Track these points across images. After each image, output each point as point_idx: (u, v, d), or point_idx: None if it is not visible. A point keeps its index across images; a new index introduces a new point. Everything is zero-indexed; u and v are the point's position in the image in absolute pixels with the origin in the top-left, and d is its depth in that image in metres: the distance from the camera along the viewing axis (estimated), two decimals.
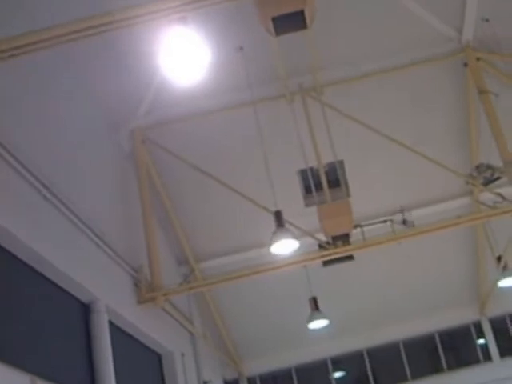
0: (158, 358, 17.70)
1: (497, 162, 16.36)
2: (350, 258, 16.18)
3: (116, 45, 12.71)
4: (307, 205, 16.36)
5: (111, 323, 13.91)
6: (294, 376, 24.69)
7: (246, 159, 17.59)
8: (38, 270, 11.24)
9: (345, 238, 15.43)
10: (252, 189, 16.42)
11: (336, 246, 15.68)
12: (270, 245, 14.29)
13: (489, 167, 16.43)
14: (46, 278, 11.60)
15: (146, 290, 15.67)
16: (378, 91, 17.21)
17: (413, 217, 16.76)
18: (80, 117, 13.39)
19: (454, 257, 22.50)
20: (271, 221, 14.35)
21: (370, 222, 16.24)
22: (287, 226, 14.37)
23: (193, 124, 16.56)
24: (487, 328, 24.53)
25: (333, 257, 15.89)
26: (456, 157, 18.62)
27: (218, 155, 17.41)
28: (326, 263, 16.29)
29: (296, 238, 14.36)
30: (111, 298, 14.01)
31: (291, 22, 8.98)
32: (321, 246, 15.86)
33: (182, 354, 18.49)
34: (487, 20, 15.86)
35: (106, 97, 14.15)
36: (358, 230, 15.85)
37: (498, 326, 24.48)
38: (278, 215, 14.24)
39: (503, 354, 24.18)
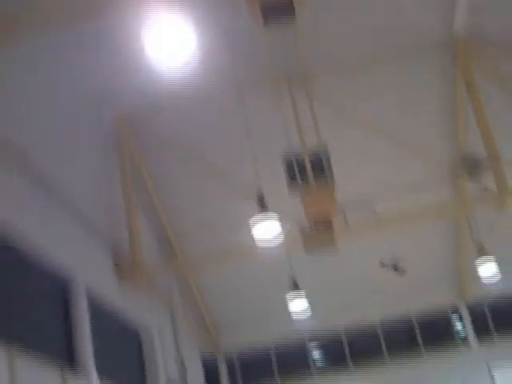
0: (137, 333, 17.74)
1: (482, 154, 16.38)
2: (333, 246, 16.07)
3: (103, 30, 12.52)
4: (291, 191, 16.21)
5: (90, 299, 13.90)
6: (273, 354, 24.83)
7: (231, 144, 17.47)
8: (16, 245, 11.19)
9: (328, 225, 15.40)
10: (236, 173, 16.36)
11: (319, 233, 15.63)
12: (252, 228, 14.28)
13: (473, 158, 16.44)
14: (25, 254, 11.55)
15: (126, 267, 15.66)
16: (365, 80, 17.07)
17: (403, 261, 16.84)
18: (64, 98, 13.21)
19: (435, 243, 22.58)
20: (255, 204, 14.31)
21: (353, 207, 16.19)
22: (270, 211, 14.33)
23: (177, 107, 16.39)
24: (465, 313, 24.72)
25: (315, 243, 15.83)
26: (442, 147, 18.62)
27: (203, 139, 17.27)
28: (308, 250, 16.22)
29: (279, 223, 14.34)
30: (91, 275, 14.03)
31: (280, 10, 8.88)
32: (304, 232, 15.79)
33: (160, 330, 18.53)
34: (477, 12, 15.76)
35: (91, 80, 13.95)
36: (341, 215, 15.82)
37: (476, 311, 24.68)
38: (260, 199, 14.20)
39: (480, 338, 24.40)
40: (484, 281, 21.84)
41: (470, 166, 16.22)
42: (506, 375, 23.05)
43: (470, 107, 16.74)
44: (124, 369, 16.31)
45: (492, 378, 23.20)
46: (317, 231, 15.50)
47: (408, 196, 18.28)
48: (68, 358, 12.80)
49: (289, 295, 20.07)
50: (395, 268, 19.63)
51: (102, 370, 13.58)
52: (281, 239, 14.80)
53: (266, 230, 14.42)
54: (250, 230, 14.38)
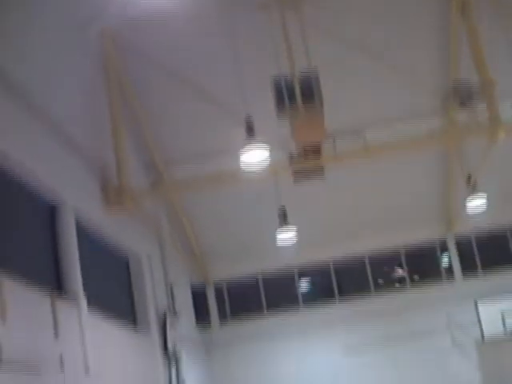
0: (125, 259, 17.79)
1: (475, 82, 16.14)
2: (321, 174, 15.94)
3: None
4: (279, 117, 15.95)
5: (78, 225, 13.86)
6: (261, 283, 25.07)
7: (220, 67, 17.13)
8: (2, 169, 11.05)
9: (316, 152, 15.25)
10: (224, 97, 16.09)
11: (307, 160, 15.49)
12: (240, 153, 14.14)
13: (466, 86, 16.21)
14: (12, 178, 11.43)
15: (113, 193, 15.54)
16: (357, 5, 16.72)
17: None
18: (48, 16, 12.88)
19: (425, 175, 22.60)
20: (243, 129, 14.12)
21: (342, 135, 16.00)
22: (258, 135, 14.15)
23: (165, 24, 15.98)
24: (452, 247, 24.93)
25: (304, 168, 15.68)
26: (435, 75, 18.38)
27: (192, 61, 16.91)
28: (296, 178, 16.08)
29: (267, 148, 14.19)
30: (78, 200, 13.94)
31: None
32: (292, 158, 15.65)
33: (149, 257, 18.59)
34: None
35: None
36: (330, 145, 15.65)
37: (463, 245, 24.86)
38: (248, 123, 13.98)
39: (466, 273, 24.66)
40: (472, 215, 21.94)
41: (463, 94, 16.01)
42: (490, 309, 23.36)
43: (465, 32, 16.41)
44: (113, 295, 16.41)
45: (477, 311, 23.51)
46: (305, 158, 15.36)
47: (398, 125, 18.17)
48: (57, 284, 12.80)
49: (277, 226, 20.11)
50: (400, 282, 20.67)
51: (90, 296, 13.63)
52: (268, 165, 14.65)
53: (254, 156, 14.29)
54: (237, 156, 14.23)
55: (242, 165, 14.53)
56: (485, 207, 20.75)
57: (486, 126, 15.82)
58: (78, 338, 12.61)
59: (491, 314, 23.29)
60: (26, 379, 9.96)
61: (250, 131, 13.94)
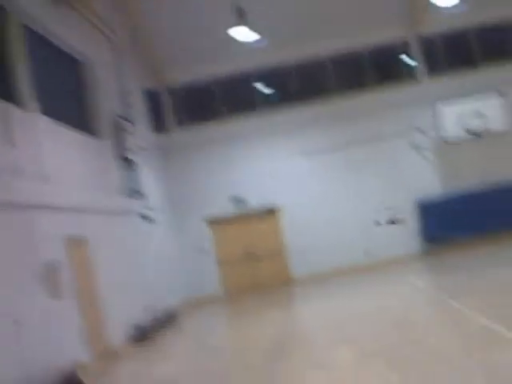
0: (77, 64, 16.90)
1: None
2: None
3: None
4: None
5: (25, 26, 12.92)
6: (219, 88, 24.34)
7: None
8: None
9: None
10: None
11: None
12: None
13: None
14: None
15: None
16: None
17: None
18: None
19: None
20: None
21: None
22: None
23: None
24: (415, 47, 24.19)
25: None
26: None
27: None
28: None
29: None
30: None
31: None
32: None
33: (101, 61, 17.74)
34: None
35: None
36: None
37: (427, 46, 24.15)
38: None
39: (431, 74, 24.12)
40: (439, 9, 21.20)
41: None
42: (450, 111, 23.26)
43: None
44: (65, 101, 15.76)
45: (437, 114, 23.45)
46: None
47: None
48: (6, 91, 12.05)
49: (234, 24, 19.21)
50: (393, 222, 22.36)
51: (43, 103, 13.03)
52: None
53: None
54: None
55: None
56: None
57: None
58: (34, 145, 12.19)
59: (451, 117, 23.27)
60: None
61: None
